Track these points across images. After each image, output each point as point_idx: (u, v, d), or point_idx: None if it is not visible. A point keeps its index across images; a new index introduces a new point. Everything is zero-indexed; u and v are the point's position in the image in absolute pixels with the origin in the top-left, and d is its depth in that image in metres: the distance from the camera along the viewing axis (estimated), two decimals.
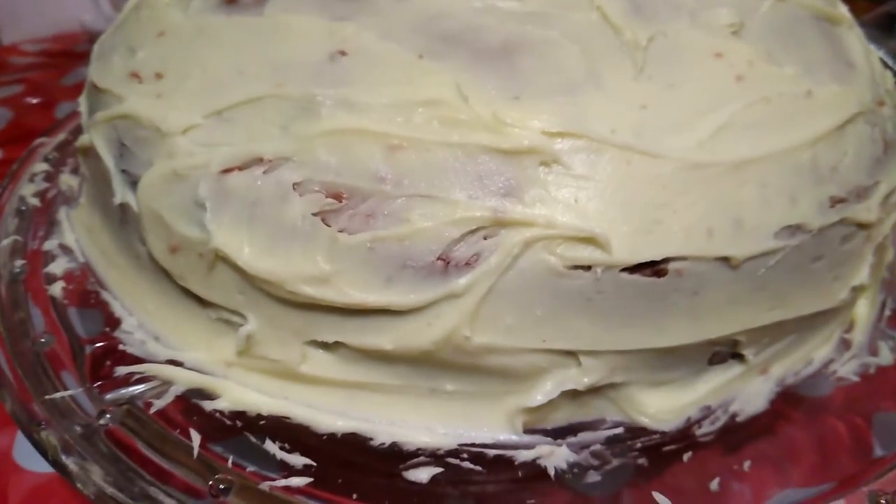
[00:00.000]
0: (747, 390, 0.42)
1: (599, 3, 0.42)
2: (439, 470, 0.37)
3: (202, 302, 0.41)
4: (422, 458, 0.38)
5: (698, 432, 0.40)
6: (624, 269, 0.36)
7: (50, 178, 0.58)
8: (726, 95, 0.40)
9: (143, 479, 0.37)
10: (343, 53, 0.40)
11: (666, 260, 0.37)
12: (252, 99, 0.40)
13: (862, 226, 0.42)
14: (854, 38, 0.50)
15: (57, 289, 0.47)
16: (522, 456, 0.38)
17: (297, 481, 0.36)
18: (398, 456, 0.38)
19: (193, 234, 0.39)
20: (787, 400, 0.46)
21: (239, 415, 0.39)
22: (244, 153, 0.39)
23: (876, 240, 0.44)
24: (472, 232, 0.36)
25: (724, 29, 0.43)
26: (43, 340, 0.44)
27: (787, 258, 0.39)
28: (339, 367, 0.39)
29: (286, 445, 0.38)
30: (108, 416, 0.40)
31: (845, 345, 0.46)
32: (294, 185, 0.38)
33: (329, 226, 0.37)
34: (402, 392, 0.39)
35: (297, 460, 0.37)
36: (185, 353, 0.42)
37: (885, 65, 0.55)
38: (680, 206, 0.37)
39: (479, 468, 0.37)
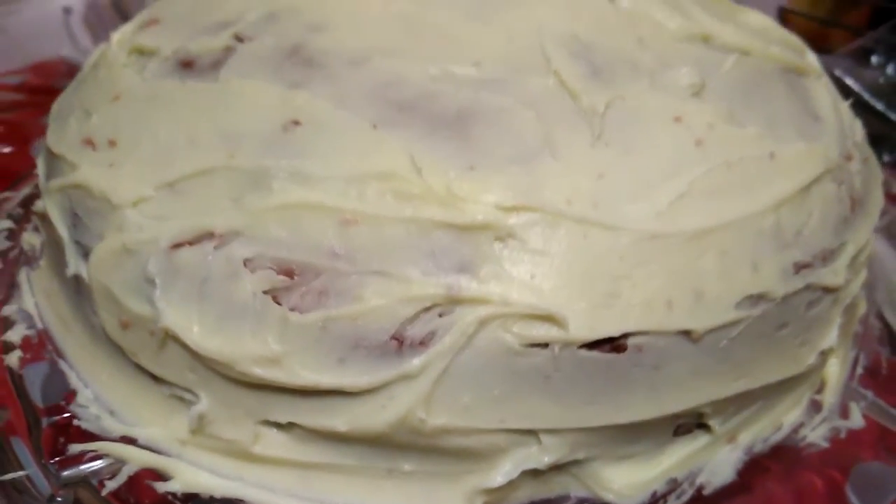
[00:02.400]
0: (714, 460, 0.41)
1: (557, 67, 0.41)
2: None
3: (156, 377, 0.40)
4: None
5: None
6: (582, 346, 0.36)
7: (13, 236, 0.57)
8: (686, 161, 0.40)
9: None
10: (297, 123, 0.39)
11: (625, 335, 0.36)
12: (204, 170, 0.39)
13: (829, 290, 0.41)
14: (821, 89, 0.50)
15: (14, 358, 0.46)
16: None
17: None
18: None
19: (144, 311, 0.38)
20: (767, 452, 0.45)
21: (192, 496, 0.38)
22: (194, 227, 0.38)
23: (844, 301, 0.43)
24: (427, 310, 0.35)
25: (684, 90, 0.43)
26: None
27: (751, 328, 0.38)
28: (294, 447, 0.38)
29: None
30: (59, 500, 0.39)
31: (815, 407, 0.45)
32: (245, 261, 0.37)
33: (280, 304, 0.36)
34: (358, 473, 0.38)
35: None
36: (140, 429, 0.41)
37: (862, 104, 0.54)
38: (638, 278, 0.36)
39: None
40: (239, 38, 0.45)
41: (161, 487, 0.39)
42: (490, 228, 0.36)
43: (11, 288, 0.52)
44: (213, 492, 0.38)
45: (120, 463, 0.40)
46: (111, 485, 0.39)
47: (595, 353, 0.36)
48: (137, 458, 0.40)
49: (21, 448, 0.42)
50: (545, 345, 0.35)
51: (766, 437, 0.43)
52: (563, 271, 0.36)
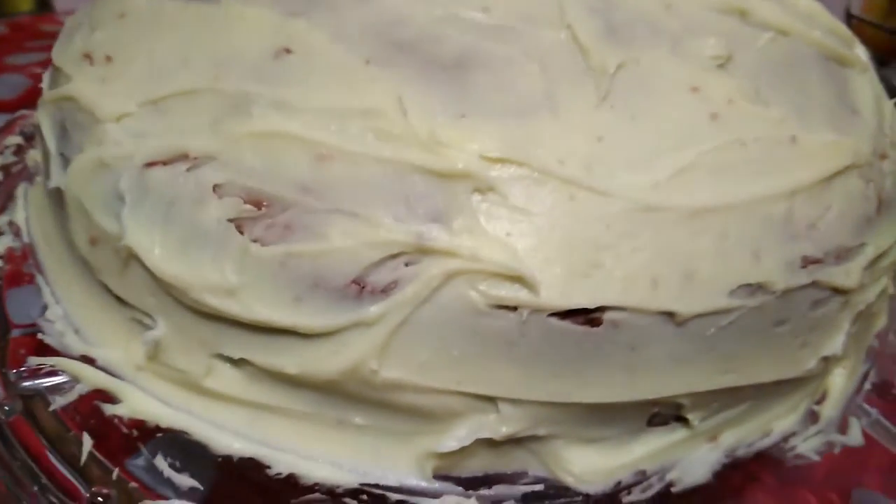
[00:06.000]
0: (690, 457, 0.38)
1: (571, 20, 0.39)
2: None
3: (120, 299, 0.39)
4: (317, 495, 0.35)
5: (626, 500, 0.37)
6: (553, 314, 0.33)
7: (20, 151, 0.57)
8: (695, 134, 0.37)
9: (30, 472, 0.36)
10: (288, 51, 0.38)
11: (602, 308, 0.33)
12: (188, 91, 0.38)
13: (838, 291, 0.38)
14: (865, 83, 0.46)
15: None
16: None
17: None
18: (294, 488, 0.35)
19: (111, 227, 0.37)
20: (763, 461, 0.42)
21: (138, 423, 0.37)
22: (170, 147, 0.37)
23: (856, 307, 0.40)
24: (393, 257, 0.33)
25: (708, 61, 0.39)
26: None
27: (744, 319, 0.35)
28: (245, 385, 0.36)
29: (177, 463, 0.35)
30: (6, 408, 0.38)
31: (813, 418, 0.42)
32: (215, 186, 0.35)
33: (243, 234, 0.34)
34: (308, 420, 0.36)
35: (185, 481, 0.35)
36: (100, 349, 0.40)
37: None
38: (624, 250, 0.34)
39: None
40: None
41: (108, 410, 0.38)
42: (470, 178, 0.33)
43: (8, 201, 0.52)
44: (159, 421, 0.37)
45: (74, 381, 0.39)
46: (60, 401, 0.38)
47: (566, 324, 0.33)
48: (91, 379, 0.39)
49: None
50: (513, 308, 0.33)
51: (752, 441, 0.40)
52: (542, 233, 0.33)
